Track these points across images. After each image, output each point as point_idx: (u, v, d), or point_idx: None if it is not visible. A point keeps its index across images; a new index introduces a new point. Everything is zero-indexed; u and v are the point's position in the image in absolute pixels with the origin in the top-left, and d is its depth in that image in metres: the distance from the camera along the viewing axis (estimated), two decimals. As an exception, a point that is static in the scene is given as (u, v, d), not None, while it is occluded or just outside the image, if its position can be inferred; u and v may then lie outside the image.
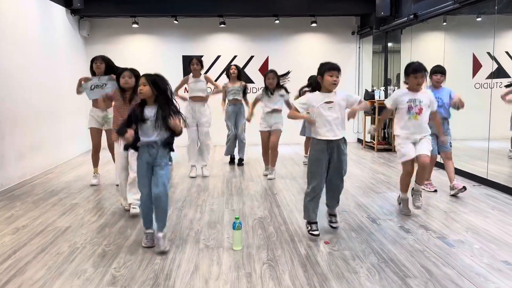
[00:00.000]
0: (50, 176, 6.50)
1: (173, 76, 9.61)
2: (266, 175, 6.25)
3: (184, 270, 3.13)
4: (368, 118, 9.22)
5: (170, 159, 7.08)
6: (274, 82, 6.03)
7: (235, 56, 9.70)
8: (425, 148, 4.17)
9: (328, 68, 3.61)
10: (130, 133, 3.37)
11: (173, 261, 3.28)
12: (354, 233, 3.85)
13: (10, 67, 6.00)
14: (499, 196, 5.00)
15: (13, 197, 5.28)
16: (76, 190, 5.58)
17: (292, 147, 8.86)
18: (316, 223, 3.75)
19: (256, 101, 6.35)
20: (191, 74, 6.33)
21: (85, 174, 6.50)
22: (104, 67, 5.48)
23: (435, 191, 5.24)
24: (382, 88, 9.04)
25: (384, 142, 8.73)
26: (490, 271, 3.04)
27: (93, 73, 5.53)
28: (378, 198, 5.02)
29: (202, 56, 9.56)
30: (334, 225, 3.96)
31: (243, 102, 6.93)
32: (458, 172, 6.13)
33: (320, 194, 3.78)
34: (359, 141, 9.88)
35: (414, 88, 4.17)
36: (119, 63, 9.15)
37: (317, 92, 3.76)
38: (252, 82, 9.61)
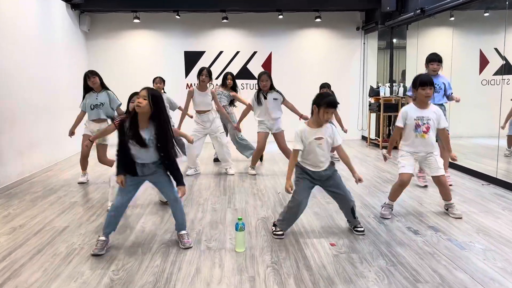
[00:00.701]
0: (49, 173, 6.39)
1: (175, 72, 9.51)
2: (253, 174, 6.15)
3: (185, 273, 3.01)
4: (373, 115, 9.07)
5: None
6: (268, 84, 5.86)
7: (237, 52, 9.56)
8: (437, 167, 4.03)
9: (327, 105, 3.44)
10: (120, 180, 3.30)
11: (174, 264, 3.15)
12: (360, 235, 3.71)
13: (9, 64, 5.87)
14: (510, 196, 4.86)
15: (11, 195, 5.17)
16: (75, 188, 5.47)
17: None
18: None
19: (244, 115, 6.14)
20: (195, 86, 6.13)
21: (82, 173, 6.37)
22: (99, 80, 5.53)
23: (425, 186, 5.21)
24: (387, 84, 8.89)
25: (389, 140, 8.57)
26: (505, 276, 2.91)
27: (87, 87, 5.59)
28: (384, 198, 4.86)
29: (205, 53, 9.46)
30: (359, 229, 3.76)
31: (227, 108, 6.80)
32: (465, 170, 6.01)
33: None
34: (364, 138, 9.73)
35: (423, 102, 4.01)
36: (120, 58, 9.09)
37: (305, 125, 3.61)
38: (254, 78, 9.45)
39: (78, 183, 5.74)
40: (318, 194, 5.02)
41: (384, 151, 4.30)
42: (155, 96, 3.19)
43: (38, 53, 6.81)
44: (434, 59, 5.05)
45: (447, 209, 4.24)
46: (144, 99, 3.15)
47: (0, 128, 5.59)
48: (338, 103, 3.53)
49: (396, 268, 3.05)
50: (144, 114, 3.19)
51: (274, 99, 5.89)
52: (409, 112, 4.03)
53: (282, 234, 3.67)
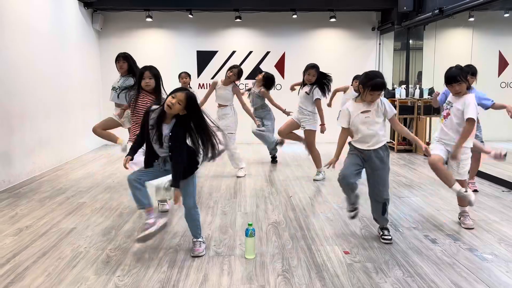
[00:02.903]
0: (58, 173, 6.34)
1: (187, 71, 9.42)
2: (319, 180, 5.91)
3: (193, 280, 2.89)
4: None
5: None
6: (314, 79, 5.75)
7: (250, 52, 9.44)
8: (454, 172, 3.85)
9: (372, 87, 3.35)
10: (126, 160, 3.20)
11: (181, 270, 3.04)
12: (376, 243, 3.56)
13: (21, 61, 5.83)
14: (532, 204, 4.67)
15: (19, 194, 5.11)
16: (84, 189, 5.39)
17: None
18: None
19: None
20: (220, 79, 6.06)
21: (95, 172, 6.33)
22: (127, 66, 5.00)
23: (475, 191, 5.08)
24: (403, 86, 8.69)
25: (404, 143, 8.39)
26: (530, 291, 2.74)
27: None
28: (400, 204, 4.72)
29: (218, 53, 9.36)
30: (386, 237, 3.61)
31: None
32: (484, 175, 5.80)
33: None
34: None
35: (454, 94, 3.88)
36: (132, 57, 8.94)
37: (351, 101, 3.57)
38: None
39: (121, 150, 4.95)
40: (331, 199, 4.88)
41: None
42: (191, 99, 3.02)
43: (50, 51, 6.77)
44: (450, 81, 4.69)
45: (459, 218, 4.04)
46: (179, 104, 2.98)
47: (10, 126, 5.54)
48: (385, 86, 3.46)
49: (414, 279, 2.90)
50: (172, 113, 3.07)
51: (306, 93, 5.82)
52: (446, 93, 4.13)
53: (351, 211, 3.72)
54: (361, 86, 3.43)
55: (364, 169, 3.57)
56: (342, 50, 9.51)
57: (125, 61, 4.99)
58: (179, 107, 2.99)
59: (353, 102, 3.53)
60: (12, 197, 4.98)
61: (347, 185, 3.53)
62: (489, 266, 3.10)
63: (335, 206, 4.56)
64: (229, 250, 3.42)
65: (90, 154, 7.84)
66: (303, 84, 5.90)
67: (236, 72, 5.89)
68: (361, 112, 3.44)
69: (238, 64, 9.35)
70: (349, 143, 3.63)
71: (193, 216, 3.30)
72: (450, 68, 3.87)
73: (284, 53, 9.47)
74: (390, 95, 8.55)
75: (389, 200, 3.61)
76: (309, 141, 5.86)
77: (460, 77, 3.74)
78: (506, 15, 7.38)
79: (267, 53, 9.47)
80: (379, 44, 9.50)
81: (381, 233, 3.63)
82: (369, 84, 3.32)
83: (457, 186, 3.77)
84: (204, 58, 9.34)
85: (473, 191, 4.79)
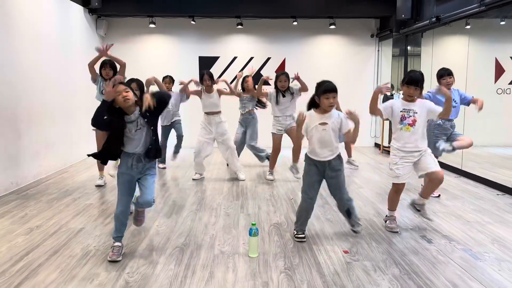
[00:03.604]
0: (64, 175, 6.48)
1: (189, 77, 9.56)
2: (271, 180, 6.15)
3: (199, 277, 3.03)
4: (386, 123, 9.03)
5: (164, 161, 7.02)
6: (286, 84, 5.90)
7: (251, 58, 9.61)
8: (433, 163, 3.85)
9: (323, 91, 3.53)
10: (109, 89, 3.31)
11: (188, 267, 3.18)
12: (374, 242, 3.71)
13: (27, 66, 5.99)
14: (525, 207, 4.81)
15: (27, 196, 5.25)
16: (90, 191, 5.53)
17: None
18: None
19: (262, 91, 6.24)
20: (203, 89, 6.22)
21: (99, 174, 6.45)
22: (112, 74, 5.47)
23: (438, 196, 5.17)
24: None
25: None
26: (520, 287, 2.88)
27: (101, 77, 5.58)
28: (398, 206, 4.85)
29: (220, 58, 9.52)
30: (355, 229, 3.86)
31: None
32: (480, 180, 5.95)
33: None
34: (376, 145, 9.70)
35: (407, 99, 3.89)
36: (135, 62, 9.18)
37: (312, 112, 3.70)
38: (268, 84, 9.48)
39: (96, 185, 5.77)
40: (331, 201, 5.01)
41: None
42: (138, 84, 3.37)
43: (57, 56, 6.93)
44: (443, 74, 4.92)
45: (419, 210, 4.15)
46: (127, 92, 3.22)
47: (18, 130, 5.68)
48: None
49: (410, 277, 3.04)
50: (132, 105, 3.28)
51: (290, 93, 5.97)
52: (395, 102, 3.93)
53: (304, 237, 3.72)
54: (316, 96, 3.61)
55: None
56: (341, 56, 9.68)
57: (111, 69, 5.45)
58: (131, 95, 3.23)
59: (314, 113, 3.67)
60: (20, 199, 5.11)
61: (311, 208, 3.73)
62: (482, 265, 3.25)
63: (335, 208, 4.69)
64: (233, 249, 3.55)
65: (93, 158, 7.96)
66: (277, 94, 5.98)
67: (208, 78, 6.09)
68: (320, 124, 3.60)
69: (239, 69, 9.53)
70: (305, 154, 3.78)
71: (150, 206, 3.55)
72: (415, 71, 4.03)
73: (285, 59, 9.64)
74: (389, 101, 8.71)
75: (352, 202, 3.78)
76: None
77: (420, 83, 3.85)
78: (502, 22, 7.55)
79: (268, 59, 9.63)
80: (378, 50, 9.68)
81: (350, 224, 3.88)
82: (321, 90, 3.52)
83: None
84: (206, 64, 9.50)
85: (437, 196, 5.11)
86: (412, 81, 3.81)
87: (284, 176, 6.48)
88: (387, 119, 4.08)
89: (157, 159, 3.61)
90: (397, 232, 3.97)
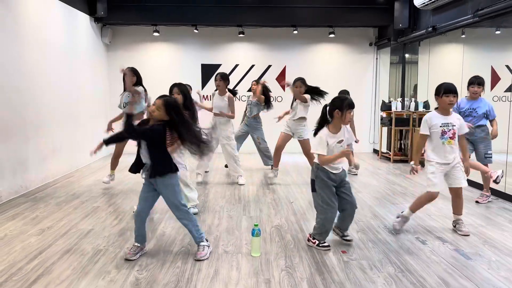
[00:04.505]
0: (70, 179, 6.66)
1: (192, 84, 9.81)
2: (272, 177, 6.49)
3: (205, 274, 3.21)
4: (385, 129, 9.23)
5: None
6: (303, 89, 6.13)
7: (253, 65, 9.82)
8: (461, 178, 4.06)
9: (349, 106, 3.65)
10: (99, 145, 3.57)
11: (194, 265, 3.36)
12: (371, 243, 3.89)
13: (35, 73, 6.19)
14: (517, 210, 5.00)
15: (37, 199, 5.43)
16: (96, 194, 5.71)
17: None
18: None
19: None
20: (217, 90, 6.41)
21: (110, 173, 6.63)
22: (136, 79, 5.70)
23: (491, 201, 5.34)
24: (399, 99, 9.06)
25: (400, 153, 8.74)
26: (508, 285, 3.06)
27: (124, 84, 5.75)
28: (394, 209, 5.04)
29: (222, 66, 9.74)
30: (348, 238, 3.93)
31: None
32: (475, 185, 6.12)
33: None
34: (375, 151, 9.89)
35: (446, 109, 4.01)
36: (139, 70, 9.39)
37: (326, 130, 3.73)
38: (269, 91, 9.69)
39: (103, 182, 6.00)
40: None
41: (413, 163, 4.16)
42: (169, 104, 3.32)
43: (64, 63, 7.14)
44: (474, 82, 5.11)
45: (454, 226, 4.27)
46: (158, 110, 3.31)
47: (26, 135, 5.88)
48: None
49: (404, 274, 3.22)
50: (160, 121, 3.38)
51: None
52: (433, 119, 4.01)
53: (329, 245, 3.76)
54: (338, 111, 3.63)
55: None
56: (340, 64, 9.90)
57: (134, 75, 5.68)
58: (158, 113, 3.32)
59: (329, 132, 3.70)
60: (30, 201, 5.30)
61: (336, 214, 3.77)
62: (473, 264, 3.43)
63: (334, 211, 4.87)
64: (236, 249, 3.74)
65: (99, 162, 8.16)
66: (294, 98, 6.28)
67: (220, 78, 6.22)
68: (337, 142, 3.70)
69: (241, 77, 9.75)
70: (322, 169, 3.73)
71: (185, 221, 3.53)
72: (446, 82, 4.06)
73: (285, 66, 9.86)
74: (387, 108, 8.92)
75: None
76: (308, 148, 6.19)
77: (456, 91, 4.00)
78: (498, 32, 7.76)
79: (269, 66, 9.85)
80: (376, 58, 9.90)
81: (343, 235, 3.91)
82: (346, 104, 3.63)
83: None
84: (208, 71, 9.72)
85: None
86: (451, 90, 3.93)
87: (284, 180, 6.66)
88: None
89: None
90: (398, 234, 4.15)
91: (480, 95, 5.20)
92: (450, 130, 3.97)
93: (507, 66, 7.38)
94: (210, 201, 5.40)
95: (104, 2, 8.34)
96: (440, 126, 3.98)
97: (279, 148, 6.44)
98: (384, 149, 9.29)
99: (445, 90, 3.96)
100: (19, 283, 3.05)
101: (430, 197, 4.11)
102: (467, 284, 3.06)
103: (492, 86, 8.37)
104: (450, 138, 3.97)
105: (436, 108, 4.13)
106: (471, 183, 6.22)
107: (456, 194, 4.19)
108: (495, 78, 8.33)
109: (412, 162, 4.18)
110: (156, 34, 9.21)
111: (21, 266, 3.34)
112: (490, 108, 5.24)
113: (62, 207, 5.03)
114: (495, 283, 3.08)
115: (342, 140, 3.72)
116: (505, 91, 8.25)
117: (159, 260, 3.46)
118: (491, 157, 5.22)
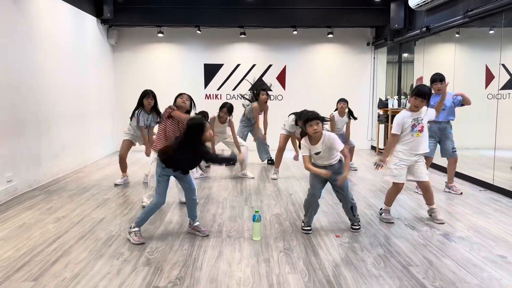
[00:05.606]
0: (80, 175, 6.98)
1: (195, 83, 10.14)
2: (274, 179, 6.65)
3: (210, 255, 3.52)
4: (382, 126, 9.53)
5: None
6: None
7: (254, 65, 10.13)
8: (424, 173, 4.37)
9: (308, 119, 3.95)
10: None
11: (200, 248, 3.67)
12: (363, 229, 4.19)
13: (45, 72, 6.50)
14: (503, 201, 5.29)
15: (50, 191, 5.75)
16: (106, 188, 6.02)
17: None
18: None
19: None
20: (216, 118, 6.71)
21: (112, 174, 6.94)
22: (153, 103, 5.93)
23: (461, 193, 5.59)
24: (396, 97, 9.36)
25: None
26: (486, 263, 3.36)
27: (141, 105, 5.90)
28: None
29: (224, 66, 10.05)
30: (355, 226, 4.19)
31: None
32: (466, 178, 6.43)
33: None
34: (373, 148, 10.18)
35: (414, 109, 4.31)
36: (144, 70, 9.75)
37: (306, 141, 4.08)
38: (270, 90, 10.00)
39: (115, 184, 6.21)
40: (327, 196, 5.50)
41: (379, 158, 4.51)
42: (191, 128, 3.80)
43: (70, 62, 7.46)
44: (436, 79, 5.40)
45: (430, 215, 4.55)
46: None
47: (39, 131, 6.19)
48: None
49: (392, 255, 3.52)
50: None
51: None
52: (404, 118, 4.31)
53: (310, 229, 4.11)
54: (302, 124, 4.04)
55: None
56: (339, 63, 10.21)
57: (153, 99, 5.90)
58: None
59: (307, 142, 4.06)
60: (44, 194, 5.62)
61: (314, 203, 4.11)
62: (456, 246, 3.73)
63: (330, 202, 5.17)
64: (238, 234, 4.04)
65: (105, 159, 8.48)
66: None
67: (226, 111, 6.60)
68: (315, 154, 4.06)
69: (242, 76, 10.06)
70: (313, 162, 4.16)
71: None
72: (424, 86, 4.42)
73: (285, 66, 10.17)
74: (383, 105, 9.22)
75: (355, 203, 4.18)
76: None
77: (428, 96, 4.27)
78: (491, 32, 8.04)
79: (269, 66, 10.16)
80: (374, 58, 10.20)
81: (351, 224, 4.22)
82: (303, 118, 3.99)
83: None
84: (210, 71, 10.05)
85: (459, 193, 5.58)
86: (420, 94, 4.24)
87: (284, 174, 6.96)
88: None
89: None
90: (393, 223, 4.41)
91: (445, 90, 5.37)
92: (419, 123, 4.29)
93: (503, 65, 7.65)
94: (213, 193, 5.71)
95: (111, 4, 8.66)
96: (411, 122, 4.30)
97: (281, 149, 6.71)
98: (381, 146, 9.58)
99: (416, 93, 4.27)
100: (41, 263, 3.36)
101: (396, 189, 4.45)
102: (448, 263, 3.36)
103: (487, 84, 8.65)
104: (419, 131, 4.29)
105: (406, 107, 4.49)
106: (462, 176, 6.53)
107: (423, 187, 4.49)
108: (490, 76, 8.61)
109: (378, 157, 4.51)
110: (160, 35, 9.53)
111: (42, 249, 3.65)
112: (452, 96, 5.49)
113: (74, 199, 5.35)
114: (474, 262, 3.38)
115: (320, 152, 4.01)
116: (500, 89, 8.54)
117: (168, 244, 3.77)
118: (456, 150, 5.54)
